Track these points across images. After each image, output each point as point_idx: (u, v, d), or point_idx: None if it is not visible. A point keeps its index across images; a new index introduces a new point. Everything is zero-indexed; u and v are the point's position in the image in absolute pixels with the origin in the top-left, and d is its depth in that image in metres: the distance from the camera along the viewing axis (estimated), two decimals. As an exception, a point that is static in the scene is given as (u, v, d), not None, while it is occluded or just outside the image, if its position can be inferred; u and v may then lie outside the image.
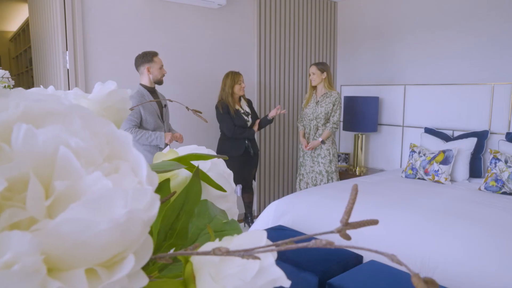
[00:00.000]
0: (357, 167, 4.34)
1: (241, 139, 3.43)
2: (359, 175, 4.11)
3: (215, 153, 0.42)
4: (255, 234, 0.25)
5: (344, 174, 4.26)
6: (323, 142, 3.56)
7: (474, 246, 2.04)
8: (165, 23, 3.43)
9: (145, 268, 0.28)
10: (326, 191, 2.96)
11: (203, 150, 0.44)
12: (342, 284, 1.91)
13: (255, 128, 3.52)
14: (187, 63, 3.61)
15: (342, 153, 4.58)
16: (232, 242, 0.25)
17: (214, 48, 3.79)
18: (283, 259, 2.19)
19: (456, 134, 3.66)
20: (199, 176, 0.33)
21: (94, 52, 3.07)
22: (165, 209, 0.29)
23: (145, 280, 0.21)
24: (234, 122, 3.37)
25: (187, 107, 0.55)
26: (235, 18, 3.91)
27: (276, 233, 2.59)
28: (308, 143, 3.60)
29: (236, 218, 0.47)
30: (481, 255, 1.98)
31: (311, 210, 2.72)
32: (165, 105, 2.95)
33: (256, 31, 4.05)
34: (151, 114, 2.80)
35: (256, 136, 4.11)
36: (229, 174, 0.44)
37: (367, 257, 2.29)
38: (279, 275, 0.23)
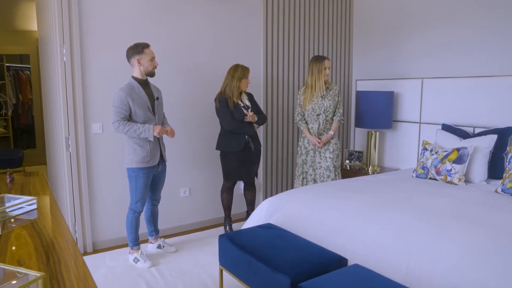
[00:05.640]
0: (370, 166, 4.10)
1: (241, 134, 3.31)
2: (372, 175, 3.87)
3: None
4: None
5: (356, 173, 4.04)
6: (333, 135, 3.49)
7: (472, 254, 1.78)
8: (165, 16, 3.39)
9: None
10: (321, 189, 2.79)
11: None
12: (312, 289, 1.75)
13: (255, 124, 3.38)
14: (189, 56, 3.55)
15: (355, 151, 4.35)
16: None
17: (218, 41, 3.70)
18: (258, 259, 2.06)
19: (478, 131, 3.34)
20: None
21: (91, 46, 3.08)
22: None
23: None
24: (233, 116, 3.27)
25: None
26: (240, 9, 3.81)
27: (264, 231, 2.46)
28: (319, 138, 3.45)
29: None
30: (479, 265, 1.72)
31: (302, 209, 2.56)
32: (157, 98, 2.90)
33: (263, 23, 3.92)
34: (141, 107, 2.76)
35: (261, 131, 3.99)
36: None
37: (352, 260, 2.11)
38: None
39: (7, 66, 7.18)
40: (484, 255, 1.77)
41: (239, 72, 3.27)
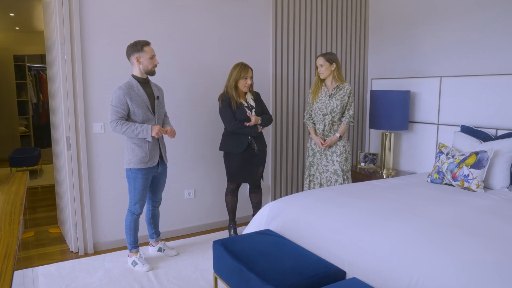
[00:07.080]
0: (385, 169, 3.89)
1: (243, 135, 3.19)
2: (383, 179, 3.66)
3: None
4: None
5: (369, 177, 3.84)
6: (340, 137, 3.26)
7: (482, 274, 1.58)
8: (168, 12, 3.31)
9: None
10: (324, 194, 2.63)
11: None
12: (302, 304, 1.61)
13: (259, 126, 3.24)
14: (194, 54, 3.46)
15: (370, 154, 4.15)
16: None
17: (224, 38, 3.59)
18: (249, 268, 1.94)
19: (501, 133, 3.10)
20: None
21: (92, 44, 3.04)
22: None
23: None
24: (235, 116, 3.15)
25: None
26: (247, 5, 3.68)
27: (261, 238, 2.34)
28: (324, 140, 3.28)
29: None
30: (488, 285, 1.53)
31: (301, 215, 2.42)
32: (158, 97, 2.82)
33: (272, 19, 3.78)
34: (139, 106, 2.68)
35: (269, 131, 3.86)
36: None
37: (351, 273, 1.95)
38: None
39: (28, 66, 7.35)
40: (497, 276, 1.57)
41: (235, 72, 3.14)
